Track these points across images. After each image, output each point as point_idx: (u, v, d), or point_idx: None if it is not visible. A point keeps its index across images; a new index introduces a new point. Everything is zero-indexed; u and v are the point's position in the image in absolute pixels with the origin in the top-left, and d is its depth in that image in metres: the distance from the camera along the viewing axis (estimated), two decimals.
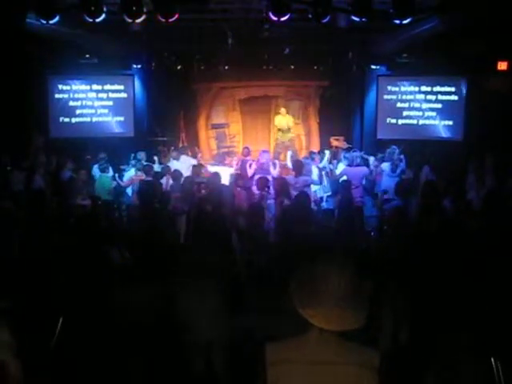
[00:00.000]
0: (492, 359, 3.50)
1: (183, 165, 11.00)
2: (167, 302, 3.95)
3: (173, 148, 12.16)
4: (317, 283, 2.20)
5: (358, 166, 9.94)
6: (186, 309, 4.10)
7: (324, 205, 10.01)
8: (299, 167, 9.07)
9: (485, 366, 3.54)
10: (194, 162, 11.76)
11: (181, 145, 13.89)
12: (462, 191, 8.84)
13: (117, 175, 10.86)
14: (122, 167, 11.34)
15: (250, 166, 10.78)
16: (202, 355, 4.19)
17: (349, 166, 10.10)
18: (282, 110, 13.89)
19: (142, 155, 11.46)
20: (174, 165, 10.68)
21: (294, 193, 7.89)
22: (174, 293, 4.08)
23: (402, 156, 10.80)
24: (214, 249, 4.39)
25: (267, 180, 8.64)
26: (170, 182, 9.50)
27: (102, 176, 10.35)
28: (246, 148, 11.90)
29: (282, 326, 2.59)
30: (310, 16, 7.69)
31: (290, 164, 10.45)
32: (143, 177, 9.99)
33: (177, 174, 9.43)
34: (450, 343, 3.78)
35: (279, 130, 13.97)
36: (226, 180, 10.17)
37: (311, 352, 2.21)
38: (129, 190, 10.50)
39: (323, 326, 2.16)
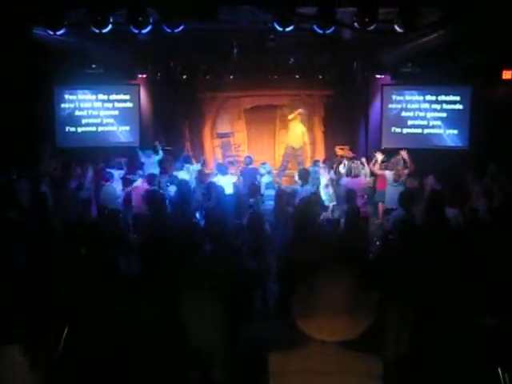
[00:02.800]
0: (499, 369, 3.49)
1: (189, 174, 11.08)
2: (173, 312, 3.95)
3: (171, 158, 12.19)
4: (315, 294, 2.21)
5: (356, 176, 9.97)
6: (186, 319, 4.10)
7: (329, 214, 10.02)
8: (305, 176, 9.08)
9: (491, 376, 3.53)
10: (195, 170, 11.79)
11: (185, 154, 13.95)
12: (468, 200, 8.83)
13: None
14: (128, 176, 11.38)
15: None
16: (202, 366, 4.17)
17: (347, 176, 10.15)
18: (297, 116, 13.88)
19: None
20: (180, 174, 10.71)
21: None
22: (178, 302, 4.09)
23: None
24: (218, 257, 4.39)
25: (258, 187, 8.72)
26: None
27: (107, 185, 10.35)
28: (249, 157, 11.91)
29: (285, 336, 2.60)
30: (314, 27, 7.73)
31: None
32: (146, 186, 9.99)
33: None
34: (454, 353, 3.77)
35: (289, 131, 13.96)
36: (229, 188, 10.20)
37: (314, 362, 2.21)
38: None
39: (318, 337, 2.16)
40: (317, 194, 8.75)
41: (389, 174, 10.41)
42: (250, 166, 11.55)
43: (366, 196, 10.11)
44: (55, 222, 7.40)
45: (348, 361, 2.21)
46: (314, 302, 2.20)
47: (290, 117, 14.03)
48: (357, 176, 9.96)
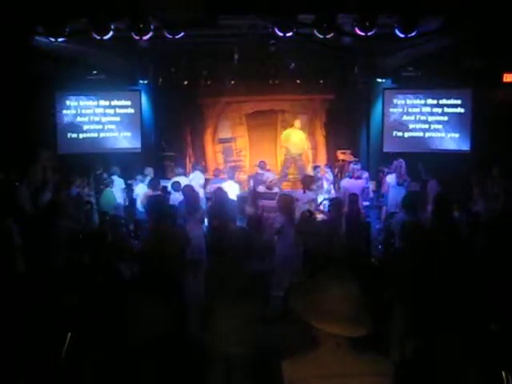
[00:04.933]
0: (503, 372, 3.48)
1: (194, 180, 11.10)
2: (179, 317, 3.95)
3: (173, 164, 12.23)
4: (322, 295, 2.21)
5: (357, 178, 10.00)
6: (207, 323, 4.09)
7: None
8: (308, 182, 9.06)
9: (495, 378, 3.52)
10: (202, 177, 11.83)
11: (188, 159, 13.98)
12: (469, 203, 8.83)
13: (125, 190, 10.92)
14: (130, 182, 11.40)
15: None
16: (222, 370, 4.16)
17: (349, 178, 10.17)
18: (297, 122, 13.78)
19: (149, 170, 11.53)
20: (183, 180, 10.72)
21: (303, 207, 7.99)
22: (185, 308, 4.08)
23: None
24: (236, 264, 4.37)
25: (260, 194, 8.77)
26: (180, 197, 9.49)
27: (107, 191, 10.35)
28: (262, 162, 11.82)
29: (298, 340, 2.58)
30: (315, 32, 7.75)
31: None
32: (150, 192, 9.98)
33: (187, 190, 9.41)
34: (458, 355, 3.76)
35: (285, 141, 13.84)
36: (233, 194, 10.22)
37: (328, 366, 2.22)
38: (139, 206, 10.54)
39: (341, 333, 2.16)
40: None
41: (391, 177, 10.42)
42: (261, 172, 11.50)
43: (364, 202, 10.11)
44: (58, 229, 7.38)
45: (361, 362, 2.23)
46: (322, 301, 2.20)
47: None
48: (358, 178, 9.98)
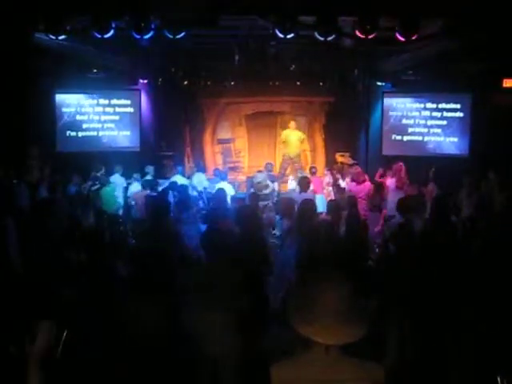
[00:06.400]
0: (498, 377, 3.48)
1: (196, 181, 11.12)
2: (173, 317, 3.93)
3: (172, 163, 12.24)
4: (313, 300, 2.20)
5: (363, 182, 9.98)
6: (194, 323, 4.07)
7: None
8: (304, 184, 9.05)
9: (490, 382, 3.52)
10: (203, 176, 11.82)
11: (187, 159, 13.98)
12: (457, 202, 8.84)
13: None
14: (128, 181, 11.39)
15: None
16: (209, 371, 4.14)
17: (352, 181, 10.16)
18: (292, 123, 13.80)
19: (150, 169, 11.52)
20: (180, 180, 10.71)
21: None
22: (180, 307, 4.06)
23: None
24: (225, 264, 4.35)
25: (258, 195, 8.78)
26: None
27: (105, 190, 10.33)
28: (269, 163, 11.77)
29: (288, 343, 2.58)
30: (315, 34, 7.76)
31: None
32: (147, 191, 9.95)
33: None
34: (454, 360, 3.76)
35: (284, 142, 13.87)
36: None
37: (318, 370, 2.21)
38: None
39: (324, 341, 2.16)
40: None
41: (390, 181, 10.41)
42: (271, 173, 11.49)
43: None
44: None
45: (351, 367, 2.22)
46: (312, 307, 2.19)
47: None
48: (363, 181, 9.98)
